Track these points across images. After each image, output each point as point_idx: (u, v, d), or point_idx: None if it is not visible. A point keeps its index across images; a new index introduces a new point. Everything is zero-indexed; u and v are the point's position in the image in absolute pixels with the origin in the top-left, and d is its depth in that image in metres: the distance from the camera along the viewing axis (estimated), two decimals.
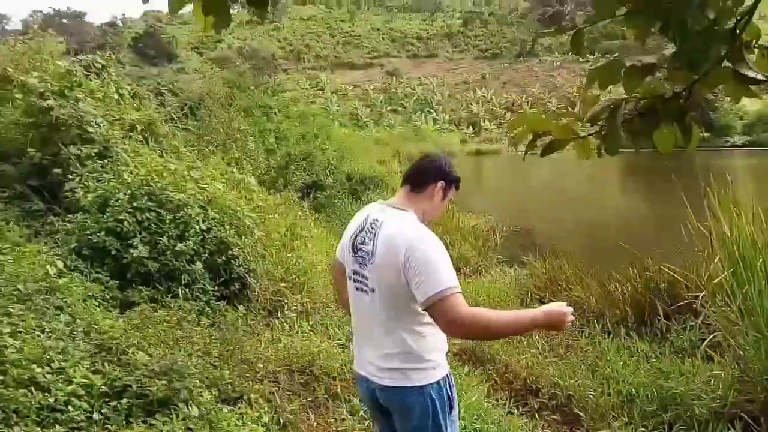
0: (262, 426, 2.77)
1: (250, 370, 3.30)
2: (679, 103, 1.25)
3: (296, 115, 12.88)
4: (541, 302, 5.55)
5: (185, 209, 4.20)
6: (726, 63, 1.16)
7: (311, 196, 9.24)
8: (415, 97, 55.56)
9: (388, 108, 52.80)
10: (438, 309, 1.71)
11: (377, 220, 1.92)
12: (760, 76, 1.13)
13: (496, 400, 3.97)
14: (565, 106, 49.63)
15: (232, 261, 4.11)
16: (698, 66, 1.17)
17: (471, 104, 53.70)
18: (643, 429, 3.27)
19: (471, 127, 49.86)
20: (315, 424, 3.09)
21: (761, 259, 3.23)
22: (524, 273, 6.70)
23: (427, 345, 1.86)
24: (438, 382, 1.86)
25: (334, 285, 2.36)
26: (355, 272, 1.96)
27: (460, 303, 1.71)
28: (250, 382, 3.18)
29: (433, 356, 1.87)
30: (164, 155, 5.29)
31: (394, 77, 60.59)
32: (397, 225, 1.86)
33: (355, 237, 1.96)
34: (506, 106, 52.65)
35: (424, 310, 1.75)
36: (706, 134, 40.76)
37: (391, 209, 1.94)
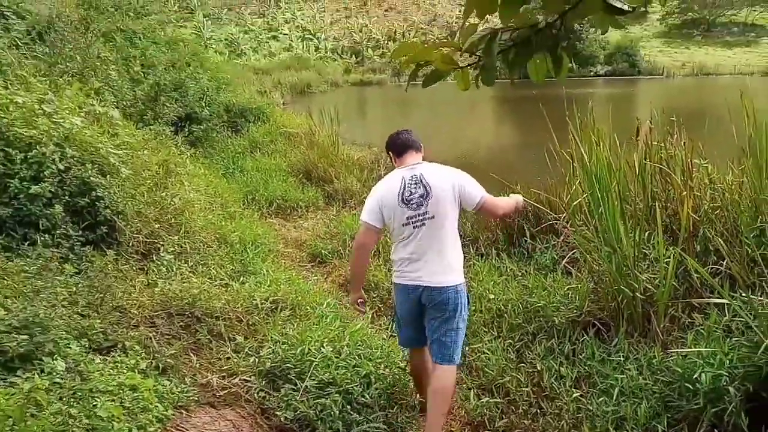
0: (139, 372, 2.67)
1: (124, 317, 3.14)
2: (551, 33, 1.28)
3: (164, 40, 11.81)
4: None
5: (38, 147, 3.77)
6: None
7: (186, 129, 8.67)
8: (295, 24, 53.21)
9: (268, 35, 50.25)
10: (488, 204, 2.89)
11: (416, 175, 2.86)
12: (626, 7, 1.18)
13: (380, 326, 4.16)
14: (446, 36, 50.17)
15: (96, 203, 3.79)
16: None
17: (353, 32, 52.52)
18: (510, 340, 3.59)
19: (354, 57, 49.02)
20: (198, 365, 3.05)
21: (615, 182, 3.54)
22: None
23: (458, 257, 2.91)
24: (464, 283, 2.92)
25: (367, 251, 3.05)
26: (409, 217, 2.80)
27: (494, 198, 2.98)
28: (125, 329, 3.04)
29: (461, 265, 2.92)
30: (9, 87, 4.66)
31: (273, 1, 57.32)
32: (434, 170, 2.90)
33: (401, 194, 2.82)
34: (389, 34, 52.15)
35: (478, 209, 2.90)
36: (573, 64, 43.48)
37: (420, 165, 2.93)
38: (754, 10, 45.08)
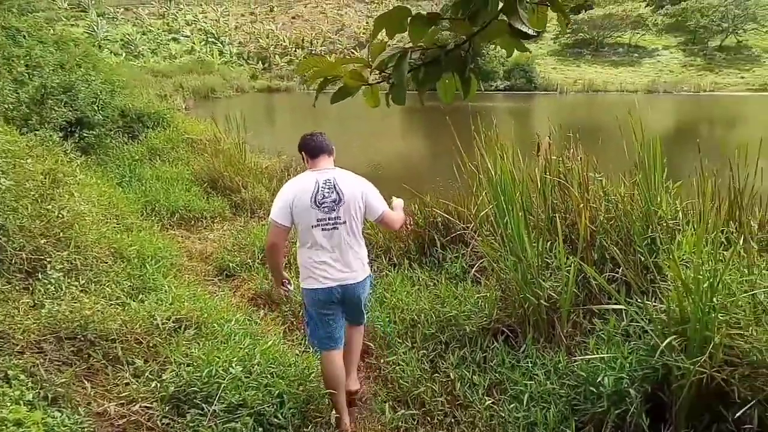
0: (25, 405, 2.40)
1: (5, 343, 2.81)
2: (460, 54, 1.27)
3: (53, 39, 10.93)
4: None
5: None
6: (502, 17, 1.20)
7: (76, 135, 8.04)
8: (198, 26, 51.43)
9: (168, 36, 48.13)
10: (386, 218, 3.15)
11: (329, 180, 3.01)
12: (531, 31, 1.19)
13: (292, 341, 4.04)
14: (354, 46, 50.58)
15: None
16: (477, 18, 1.19)
17: (260, 38, 51.58)
18: (424, 350, 3.61)
19: (261, 63, 48.11)
20: (92, 393, 2.79)
21: (518, 194, 3.68)
22: None
23: (365, 254, 3.17)
24: (371, 274, 3.24)
25: (279, 249, 3.12)
26: (319, 220, 2.95)
27: (391, 213, 3.23)
28: (7, 356, 2.72)
29: (367, 259, 3.17)
30: None
31: (173, 2, 55.13)
32: (346, 177, 3.08)
33: (314, 197, 2.96)
34: (296, 42, 51.71)
35: (377, 221, 3.19)
36: (481, 85, 45.33)
37: (333, 170, 3.09)
38: (637, 33, 49.27)
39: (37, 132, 6.80)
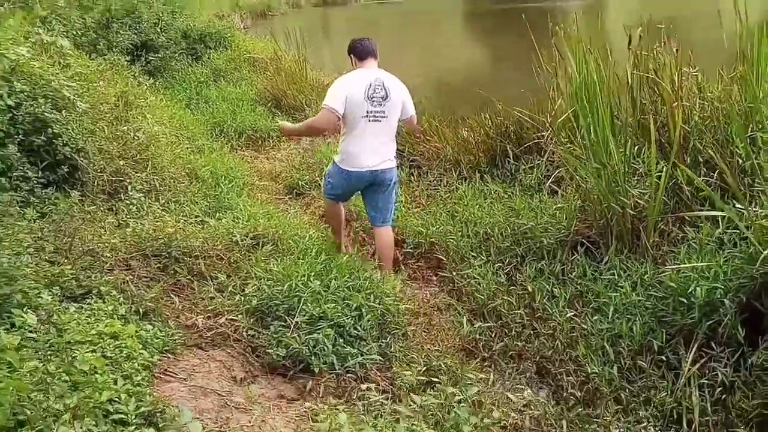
0: (119, 319, 2.53)
1: (96, 261, 2.94)
2: None
3: None
4: (401, 156, 5.59)
5: None
6: None
7: (142, 59, 8.12)
8: None
9: None
10: (414, 119, 3.81)
11: (379, 78, 3.50)
12: None
13: (364, 255, 4.06)
14: None
15: (54, 141, 3.49)
16: None
17: None
18: (499, 264, 3.53)
19: None
20: (180, 307, 2.91)
21: (604, 94, 3.39)
22: None
23: (395, 147, 3.72)
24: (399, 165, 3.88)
25: (326, 128, 3.84)
26: (369, 112, 3.45)
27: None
28: (98, 274, 2.85)
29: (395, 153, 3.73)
30: None
31: None
32: (391, 79, 3.57)
33: (368, 91, 3.44)
34: None
35: (406, 120, 3.78)
36: None
37: (380, 71, 3.58)
38: None
39: (105, 56, 6.88)
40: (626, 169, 3.27)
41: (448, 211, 4.17)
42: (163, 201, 3.96)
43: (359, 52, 3.62)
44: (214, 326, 2.83)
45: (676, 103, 3.29)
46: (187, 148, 5.27)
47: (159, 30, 8.69)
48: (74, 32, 7.09)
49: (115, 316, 2.50)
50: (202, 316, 2.88)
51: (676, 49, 3.57)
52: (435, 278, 3.80)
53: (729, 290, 2.58)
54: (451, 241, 3.78)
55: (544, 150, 4.57)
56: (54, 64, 4.39)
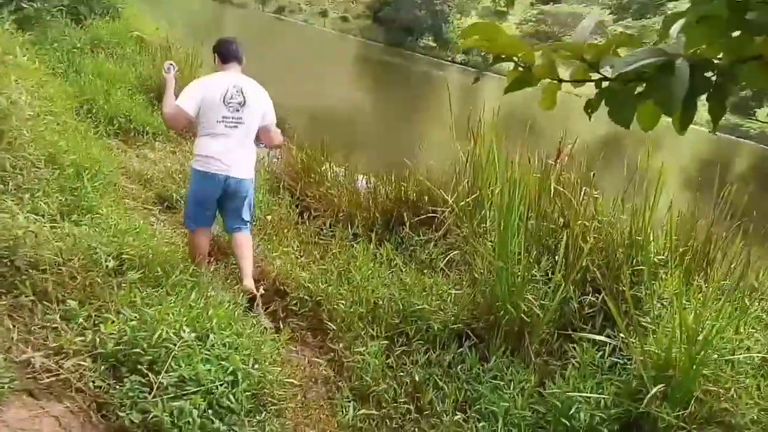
0: None
1: None
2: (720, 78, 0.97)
3: None
4: (292, 195, 5.31)
5: None
6: None
7: (13, 3, 6.96)
8: None
9: None
10: (274, 130, 3.72)
11: (238, 84, 3.49)
12: None
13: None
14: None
15: None
16: None
17: None
18: (386, 341, 3.37)
19: None
20: (14, 336, 2.33)
21: (520, 198, 3.46)
22: (275, 157, 6.31)
23: (254, 157, 3.68)
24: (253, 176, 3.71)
25: (175, 124, 3.83)
26: (224, 117, 3.44)
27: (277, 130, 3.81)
28: None
29: (254, 163, 3.70)
30: None
31: None
32: (252, 86, 3.56)
33: (224, 95, 3.43)
34: None
35: (265, 130, 3.68)
36: (433, 44, 44.84)
37: (241, 77, 3.57)
38: (595, 38, 50.14)
39: None
40: (526, 275, 3.33)
41: (340, 271, 3.95)
42: (13, 187, 3.25)
43: (223, 53, 3.63)
44: (55, 369, 2.30)
45: (583, 223, 3.46)
46: (51, 125, 4.48)
47: None
48: None
49: None
50: (40, 353, 2.33)
51: (593, 173, 3.79)
52: (313, 341, 3.53)
53: (607, 418, 2.67)
54: (341, 305, 3.55)
55: (439, 225, 4.58)
56: None
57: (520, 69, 1.05)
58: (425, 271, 4.02)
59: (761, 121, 41.58)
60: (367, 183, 5.42)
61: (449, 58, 43.88)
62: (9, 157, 3.40)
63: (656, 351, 2.84)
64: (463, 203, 4.25)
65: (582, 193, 3.76)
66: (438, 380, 3.05)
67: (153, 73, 7.68)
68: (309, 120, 11.26)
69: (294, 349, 3.37)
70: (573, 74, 1.07)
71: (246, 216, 3.72)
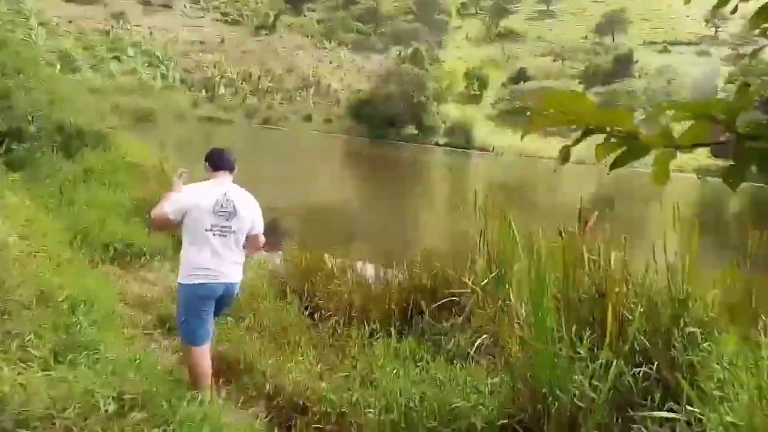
0: None
1: None
2: None
3: None
4: (301, 297, 5.06)
5: None
6: None
7: (3, 146, 7.02)
8: (143, 48, 49.86)
9: (111, 55, 46.22)
10: (260, 238, 3.69)
11: (227, 193, 3.47)
12: None
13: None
14: (301, 87, 50.42)
15: None
16: None
17: (206, 67, 50.56)
18: None
19: (205, 91, 46.99)
20: None
21: (549, 273, 3.20)
22: (279, 261, 6.11)
23: (243, 261, 3.62)
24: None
25: (162, 226, 3.73)
26: (213, 225, 3.41)
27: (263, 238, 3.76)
28: None
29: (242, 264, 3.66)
30: None
31: (121, 21, 53.48)
32: (241, 195, 3.56)
33: (215, 205, 3.40)
34: (244, 76, 51.02)
35: (252, 237, 3.63)
36: (416, 131, 46.22)
37: (232, 187, 3.55)
38: None
39: None
40: (572, 354, 3.00)
41: (362, 375, 3.61)
42: (1, 335, 3.00)
43: (215, 162, 3.63)
44: None
45: (618, 290, 3.18)
46: (43, 262, 4.29)
47: (31, 119, 7.70)
48: None
49: None
50: None
51: (624, 237, 3.55)
52: None
53: None
54: (369, 414, 3.19)
55: (459, 309, 4.28)
56: None
57: (614, 140, 0.86)
58: (454, 361, 3.68)
59: None
60: (375, 273, 5.18)
61: (433, 142, 45.01)
62: None
63: (735, 422, 2.48)
64: (484, 282, 3.98)
65: (612, 259, 3.49)
66: None
67: (147, 196, 7.64)
68: (303, 218, 11.23)
69: None
70: (682, 137, 0.86)
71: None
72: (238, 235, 3.48)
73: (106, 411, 2.62)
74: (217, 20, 61.99)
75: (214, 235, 3.39)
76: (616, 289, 3.22)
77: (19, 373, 2.59)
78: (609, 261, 3.41)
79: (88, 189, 7.62)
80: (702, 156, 45.38)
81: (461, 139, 44.85)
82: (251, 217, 3.55)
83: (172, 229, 3.90)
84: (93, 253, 5.83)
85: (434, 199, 18.50)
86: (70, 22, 48.82)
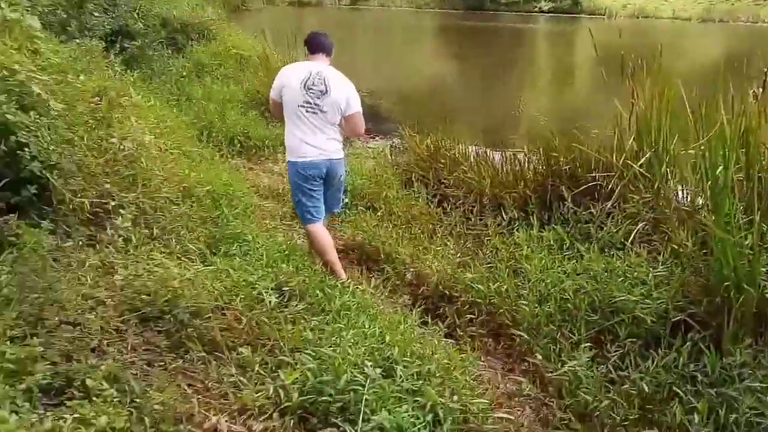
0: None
1: (79, 334, 2.10)
2: None
3: None
4: (426, 185, 4.90)
5: None
6: None
7: (117, 46, 7.13)
8: None
9: None
10: (357, 118, 3.63)
11: (321, 72, 3.51)
12: None
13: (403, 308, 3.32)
14: None
15: (19, 152, 2.62)
16: None
17: None
18: (588, 344, 2.83)
19: None
20: (196, 400, 2.08)
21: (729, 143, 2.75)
22: (396, 148, 5.94)
23: (340, 140, 3.69)
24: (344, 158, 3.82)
25: (276, 112, 3.83)
26: (306, 101, 3.47)
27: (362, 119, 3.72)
28: (83, 355, 2.01)
29: (342, 144, 3.76)
30: None
31: None
32: (336, 76, 3.56)
33: (305, 81, 3.47)
34: None
35: (348, 117, 3.59)
36: None
37: (327, 68, 3.58)
38: None
39: (76, 40, 5.91)
40: (762, 245, 2.63)
41: (508, 264, 3.46)
42: (158, 231, 3.10)
43: (310, 45, 3.68)
44: None
45: None
46: (179, 159, 4.39)
47: (137, 15, 7.71)
48: (41, 9, 6.07)
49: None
50: (225, 416, 2.07)
51: None
52: (499, 350, 3.09)
53: None
54: (522, 306, 3.06)
55: (606, 195, 3.93)
56: (20, 48, 3.48)
57: None
58: (610, 251, 3.41)
59: None
60: (504, 157, 4.87)
61: (535, 8, 41.29)
62: (147, 201, 3.26)
63: None
64: (639, 164, 3.57)
65: None
66: (675, 389, 2.46)
67: (259, 87, 7.60)
68: (402, 101, 10.87)
69: (481, 363, 2.93)
70: None
71: (340, 196, 3.92)
72: (329, 115, 3.49)
73: (270, 303, 2.67)
74: None
75: (306, 111, 3.46)
76: None
77: (185, 268, 2.66)
78: None
79: (202, 84, 7.69)
80: None
81: (567, 1, 40.67)
82: (345, 96, 3.51)
83: None
84: (220, 147, 5.95)
85: (545, 70, 17.22)
86: None
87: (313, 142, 3.49)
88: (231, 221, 3.71)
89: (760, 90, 2.95)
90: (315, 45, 3.69)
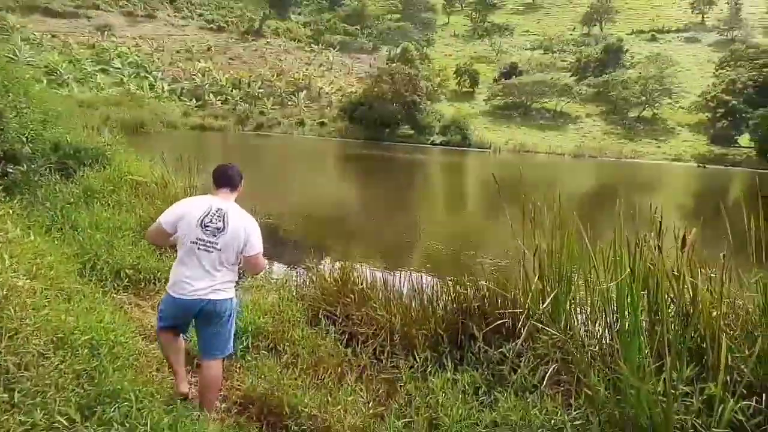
0: None
1: None
2: None
3: None
4: (335, 323, 4.69)
5: None
6: None
7: None
8: (129, 60, 49.20)
9: (97, 67, 45.56)
10: (256, 259, 3.50)
11: (222, 209, 3.43)
12: None
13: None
14: (292, 92, 49.95)
15: None
16: None
17: (195, 75, 49.95)
18: None
19: (195, 100, 46.39)
20: None
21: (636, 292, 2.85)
22: (301, 278, 5.73)
23: (232, 280, 3.51)
24: (235, 296, 3.59)
25: (157, 241, 4.10)
26: (198, 239, 3.37)
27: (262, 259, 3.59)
28: None
29: (233, 285, 3.54)
30: None
31: (105, 33, 52.84)
32: (237, 214, 3.47)
33: (202, 218, 3.39)
34: (233, 82, 50.46)
35: (248, 258, 3.49)
36: (410, 131, 45.79)
37: (229, 204, 3.49)
38: (563, 100, 51.87)
39: None
40: (675, 392, 2.65)
41: (425, 417, 3.24)
42: (19, 397, 2.61)
43: (216, 179, 3.60)
44: None
45: (716, 313, 2.83)
46: (54, 302, 3.89)
47: (25, 140, 7.27)
48: None
49: None
50: None
51: (722, 253, 3.16)
52: None
53: None
54: None
55: (511, 332, 3.93)
56: None
57: None
58: (524, 395, 3.32)
59: (744, 147, 42.15)
60: (413, 286, 4.80)
61: (429, 141, 44.61)
62: (11, 358, 2.78)
63: None
64: (545, 305, 3.62)
65: (700, 276, 3.12)
66: None
67: (154, 215, 7.22)
68: (306, 223, 10.89)
69: None
70: None
71: (222, 346, 3.51)
72: (225, 253, 3.36)
73: None
74: (202, 28, 61.39)
75: (198, 249, 3.33)
76: (713, 312, 2.86)
77: None
78: (698, 279, 3.05)
79: (90, 211, 7.20)
80: (700, 144, 45.33)
81: (457, 136, 44.46)
82: (244, 236, 3.39)
83: (169, 243, 3.74)
84: (105, 281, 5.43)
85: (440, 197, 18.16)
86: (54, 36, 48.12)
87: (196, 283, 3.33)
88: (110, 375, 3.24)
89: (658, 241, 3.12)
90: (221, 179, 3.57)
